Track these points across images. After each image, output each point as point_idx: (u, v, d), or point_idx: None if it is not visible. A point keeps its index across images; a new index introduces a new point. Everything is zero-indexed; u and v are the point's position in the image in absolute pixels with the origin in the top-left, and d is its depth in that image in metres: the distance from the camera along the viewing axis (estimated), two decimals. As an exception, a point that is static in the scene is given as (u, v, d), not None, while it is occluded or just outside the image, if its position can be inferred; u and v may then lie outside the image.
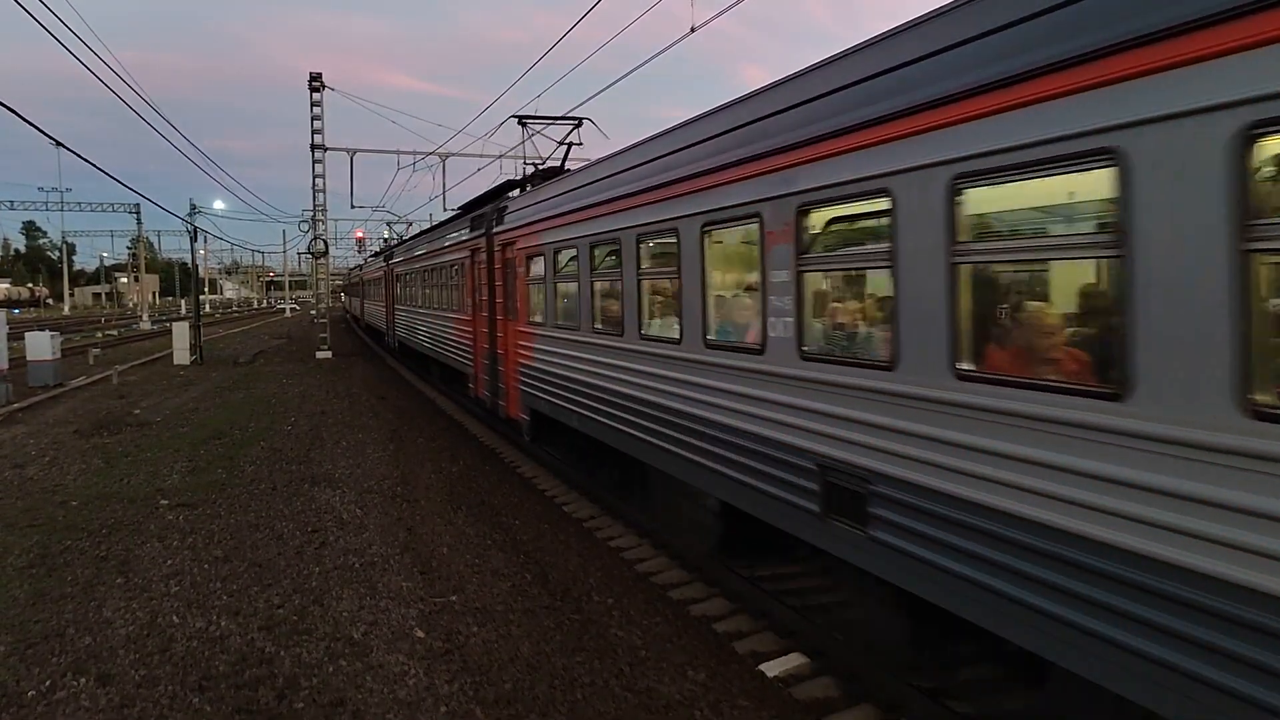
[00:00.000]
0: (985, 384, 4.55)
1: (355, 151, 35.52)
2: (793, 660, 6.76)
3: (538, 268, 12.25)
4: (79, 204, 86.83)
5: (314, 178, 33.65)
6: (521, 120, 17.99)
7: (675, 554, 9.33)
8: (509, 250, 13.77)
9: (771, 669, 6.62)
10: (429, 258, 22.86)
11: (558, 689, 6.17)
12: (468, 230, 17.14)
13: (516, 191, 15.97)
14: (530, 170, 17.11)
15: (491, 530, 10.16)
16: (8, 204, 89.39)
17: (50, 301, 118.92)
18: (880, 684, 6.18)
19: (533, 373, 12.61)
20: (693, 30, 14.69)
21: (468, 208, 20.21)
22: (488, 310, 15.45)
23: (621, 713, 5.89)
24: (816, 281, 6.24)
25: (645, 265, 8.79)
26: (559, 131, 18.11)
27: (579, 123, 17.96)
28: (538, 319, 12.30)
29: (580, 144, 17.93)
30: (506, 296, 14.14)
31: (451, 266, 19.25)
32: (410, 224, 51.51)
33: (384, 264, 35.82)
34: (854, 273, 6.18)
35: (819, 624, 7.19)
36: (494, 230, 14.77)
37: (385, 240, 55.35)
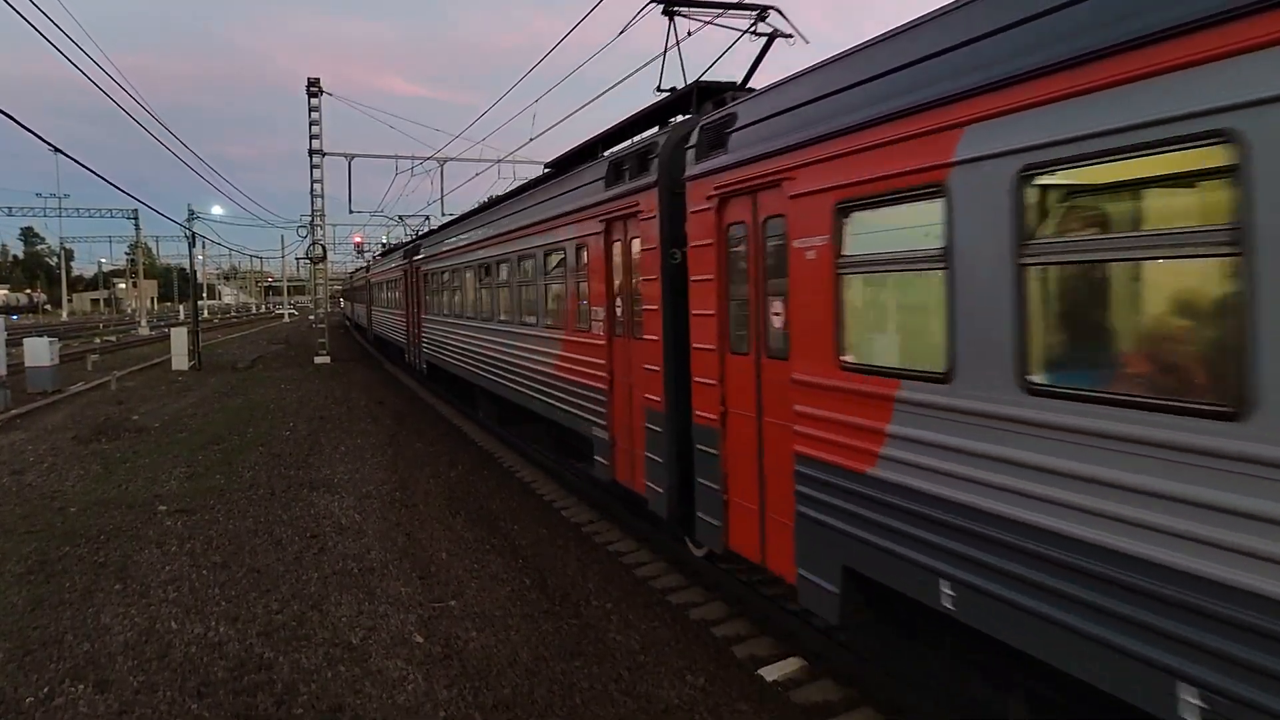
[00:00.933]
0: None
1: (353, 156, 35.63)
2: (792, 664, 6.77)
3: (904, 233, 5.22)
4: (77, 210, 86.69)
5: (312, 183, 33.70)
6: (669, 7, 11.04)
7: (674, 559, 9.33)
8: (746, 205, 6.90)
9: (770, 673, 6.63)
10: (494, 245, 15.14)
11: (557, 694, 6.17)
12: (599, 187, 9.99)
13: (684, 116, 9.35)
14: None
15: (490, 535, 10.16)
16: (6, 210, 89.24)
17: (48, 307, 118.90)
18: (879, 687, 6.18)
19: (874, 494, 5.37)
20: (690, 34, 14.70)
21: (562, 164, 13.12)
22: (660, 330, 8.38)
23: (620, 717, 5.89)
24: None
25: None
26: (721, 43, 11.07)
27: (763, 12, 10.73)
28: (893, 361, 5.51)
29: (790, 37, 10.63)
30: (725, 305, 7.34)
31: (549, 254, 12.07)
32: (428, 218, 43.78)
33: (404, 261, 28.03)
34: None
35: (818, 628, 7.19)
36: (698, 170, 7.57)
37: (384, 244, 54.95)
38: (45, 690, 6.23)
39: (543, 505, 12.03)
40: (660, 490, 8.60)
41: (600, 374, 10.05)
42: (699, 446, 7.78)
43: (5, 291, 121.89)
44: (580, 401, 10.81)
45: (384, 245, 54.85)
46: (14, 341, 27.00)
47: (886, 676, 6.17)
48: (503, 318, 14.82)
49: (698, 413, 7.75)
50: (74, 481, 13.11)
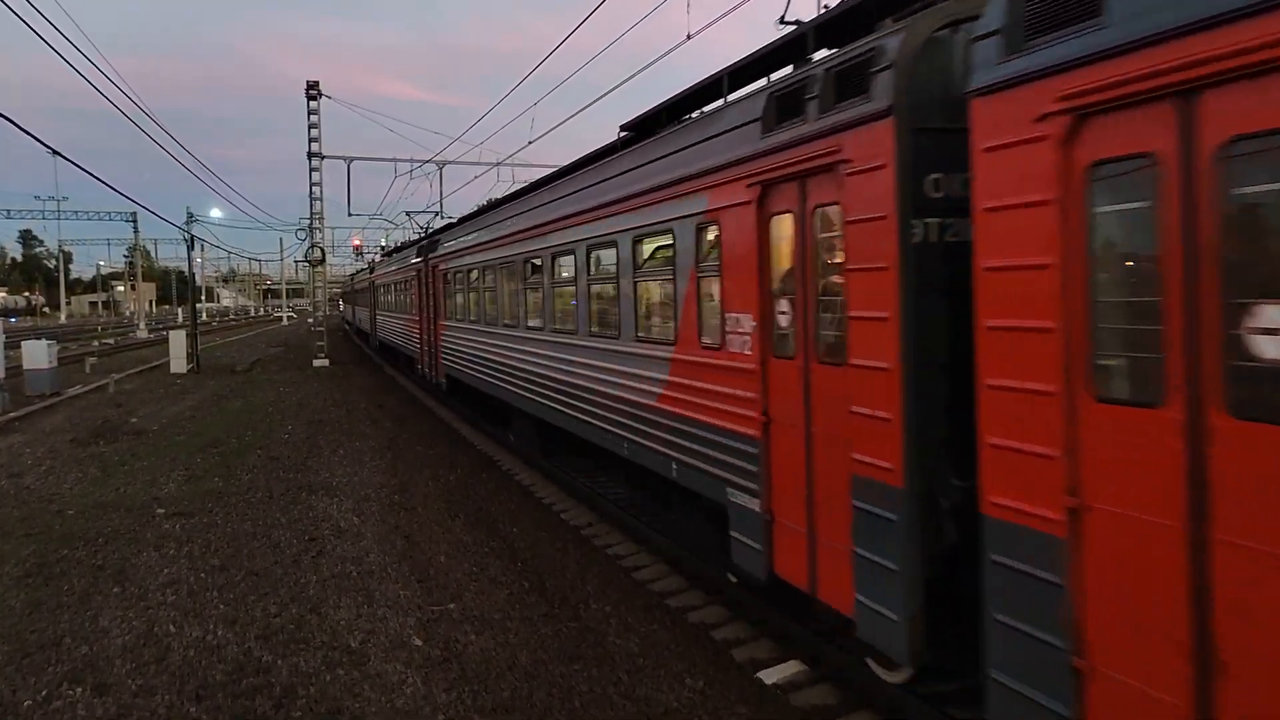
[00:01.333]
0: None
1: (352, 159, 35.60)
2: (791, 667, 6.76)
3: None
4: (76, 213, 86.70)
5: (311, 185, 33.69)
6: None
7: (673, 562, 9.32)
8: (1158, 122, 3.66)
9: (770, 676, 6.63)
10: (549, 233, 11.93)
11: (556, 697, 6.16)
12: (749, 134, 7.00)
13: None
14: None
15: (489, 538, 10.15)
16: (4, 213, 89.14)
17: (47, 310, 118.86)
18: (879, 690, 6.18)
19: None
20: (689, 37, 14.74)
21: (653, 121, 10.05)
22: (895, 351, 5.29)
23: (619, 721, 5.89)
24: None
25: None
26: None
27: None
28: None
29: None
30: (1084, 312, 4.06)
31: (642, 241, 9.09)
32: (437, 214, 38.44)
33: (417, 260, 24.43)
34: None
35: (818, 631, 7.18)
36: (1011, 74, 4.34)
37: (384, 247, 54.62)
38: (43, 693, 6.21)
39: (542, 508, 12.02)
40: (894, 618, 5.30)
41: (747, 413, 6.90)
42: (998, 559, 4.48)
43: (4, 294, 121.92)
44: (704, 449, 7.69)
45: (383, 248, 54.45)
46: (12, 344, 26.99)
47: (887, 680, 6.16)
48: (559, 327, 11.71)
49: (995, 500, 4.50)
50: (72, 484, 13.09)
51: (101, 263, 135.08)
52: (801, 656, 6.90)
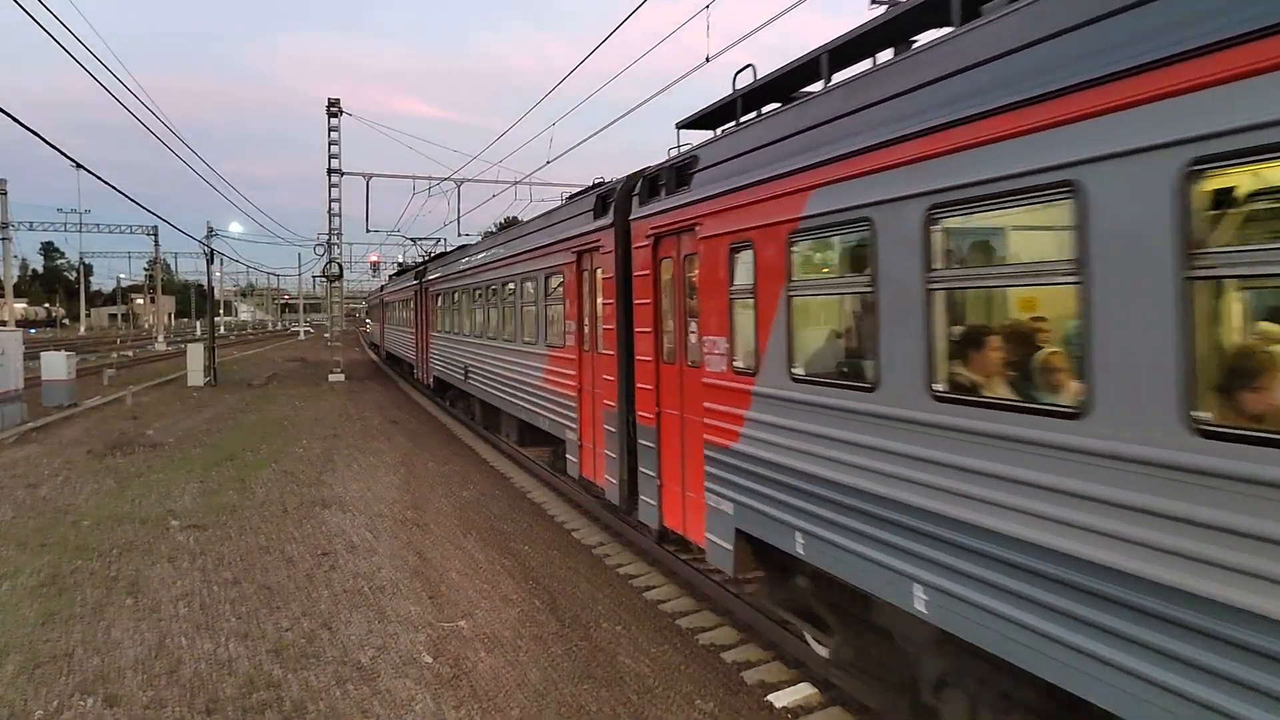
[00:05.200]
0: None
1: (371, 176, 35.89)
2: (802, 691, 6.70)
3: None
4: (97, 226, 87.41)
5: (330, 201, 34.00)
6: None
7: (684, 582, 9.27)
8: None
9: (780, 699, 6.56)
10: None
11: (566, 717, 6.13)
12: None
13: None
14: None
15: (501, 556, 10.14)
16: (27, 225, 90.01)
17: (66, 322, 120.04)
18: (892, 714, 6.11)
19: None
20: (708, 60, 14.83)
21: None
22: None
23: (629, 743, 5.85)
24: None
25: None
26: None
27: None
28: None
29: None
30: None
31: None
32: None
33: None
34: None
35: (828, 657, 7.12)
36: None
37: (400, 264, 54.39)
38: (54, 704, 6.24)
39: (554, 527, 12.00)
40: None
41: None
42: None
43: (24, 306, 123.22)
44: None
45: (399, 264, 54.34)
46: (31, 355, 27.26)
47: (898, 706, 6.09)
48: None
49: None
50: (87, 496, 13.17)
51: (121, 275, 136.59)
52: (813, 680, 6.84)
